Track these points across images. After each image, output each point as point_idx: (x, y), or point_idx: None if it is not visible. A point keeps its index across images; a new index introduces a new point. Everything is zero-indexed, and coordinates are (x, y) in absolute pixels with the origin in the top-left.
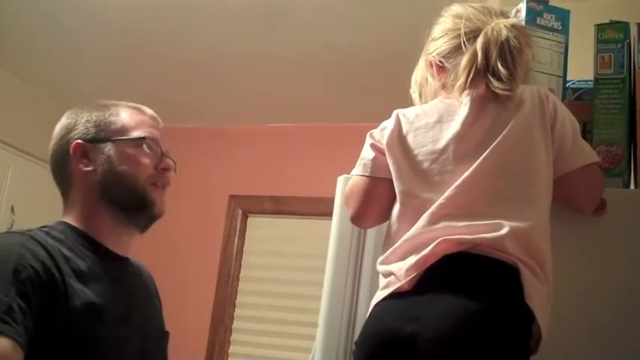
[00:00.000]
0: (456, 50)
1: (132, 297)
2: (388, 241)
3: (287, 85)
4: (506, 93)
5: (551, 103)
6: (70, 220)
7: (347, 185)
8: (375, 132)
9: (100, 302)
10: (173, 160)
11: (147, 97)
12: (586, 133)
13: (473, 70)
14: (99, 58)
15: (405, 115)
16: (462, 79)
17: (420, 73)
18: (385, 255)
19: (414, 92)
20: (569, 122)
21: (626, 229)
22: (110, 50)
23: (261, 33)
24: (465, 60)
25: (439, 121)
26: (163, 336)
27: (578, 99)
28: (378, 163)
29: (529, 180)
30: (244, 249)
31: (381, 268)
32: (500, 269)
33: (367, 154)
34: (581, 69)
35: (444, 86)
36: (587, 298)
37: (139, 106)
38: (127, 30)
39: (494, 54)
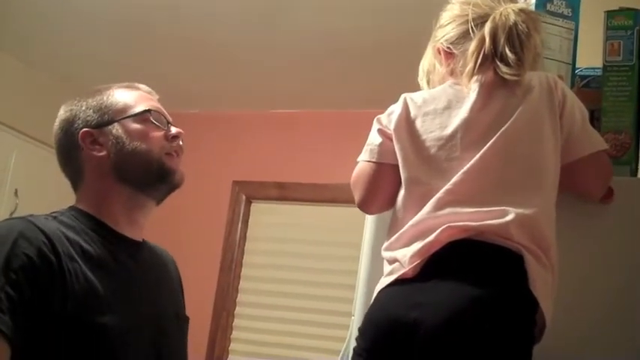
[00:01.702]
0: (464, 36)
1: (146, 283)
2: (393, 227)
3: (293, 70)
4: (514, 78)
5: (559, 89)
6: (83, 206)
7: (354, 171)
8: (383, 117)
9: (104, 288)
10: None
11: (152, 81)
12: (594, 121)
13: (481, 55)
14: (104, 42)
15: (413, 99)
16: (470, 65)
17: (428, 60)
18: (390, 241)
19: (421, 80)
20: (577, 109)
21: (633, 217)
22: (116, 34)
23: (268, 18)
24: (472, 46)
25: (448, 107)
26: (182, 321)
27: (586, 86)
28: (385, 148)
29: (536, 167)
30: (247, 235)
31: (385, 254)
32: (504, 256)
33: (374, 139)
34: (590, 56)
35: (452, 72)
36: (593, 287)
37: (130, 83)
38: (134, 14)
39: (502, 39)
